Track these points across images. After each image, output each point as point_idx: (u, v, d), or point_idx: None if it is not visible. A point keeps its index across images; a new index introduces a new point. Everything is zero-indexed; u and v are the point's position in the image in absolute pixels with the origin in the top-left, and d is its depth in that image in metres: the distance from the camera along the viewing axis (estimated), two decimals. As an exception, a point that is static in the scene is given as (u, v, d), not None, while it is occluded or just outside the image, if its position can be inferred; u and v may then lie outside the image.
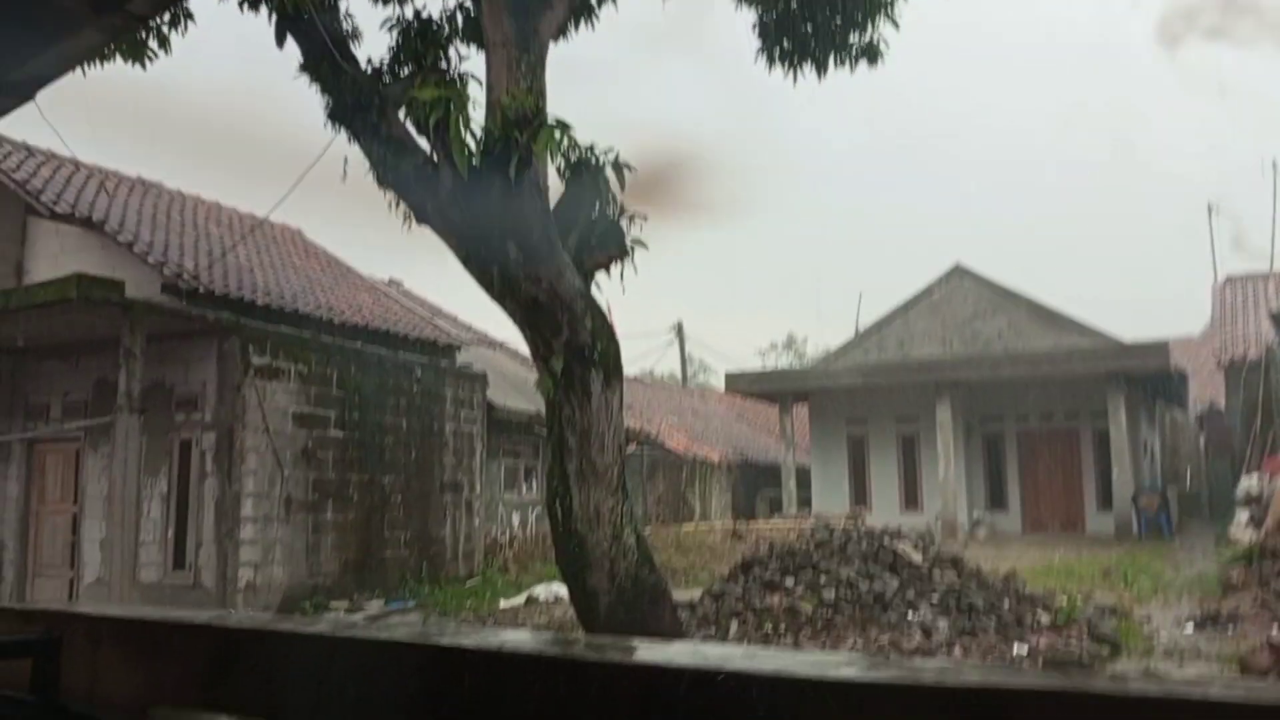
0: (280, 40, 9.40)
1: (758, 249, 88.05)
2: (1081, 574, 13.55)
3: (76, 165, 14.90)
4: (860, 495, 25.19)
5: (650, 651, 1.58)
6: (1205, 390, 28.37)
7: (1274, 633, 8.22)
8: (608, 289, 9.44)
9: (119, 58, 11.15)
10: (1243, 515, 14.97)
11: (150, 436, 11.86)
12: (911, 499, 24.82)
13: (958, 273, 25.39)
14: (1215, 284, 26.61)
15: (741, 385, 26.83)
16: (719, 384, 33.47)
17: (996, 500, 24.53)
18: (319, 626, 2.37)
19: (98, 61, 10.99)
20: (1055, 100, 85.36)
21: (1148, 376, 22.27)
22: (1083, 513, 23.52)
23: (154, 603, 11.74)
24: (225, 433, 11.78)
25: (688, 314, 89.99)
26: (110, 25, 2.68)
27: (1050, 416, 24.19)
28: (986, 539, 21.86)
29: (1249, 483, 16.02)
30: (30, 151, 14.23)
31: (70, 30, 2.71)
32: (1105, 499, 22.43)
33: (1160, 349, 21.25)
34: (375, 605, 12.17)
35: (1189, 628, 9.34)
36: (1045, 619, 8.95)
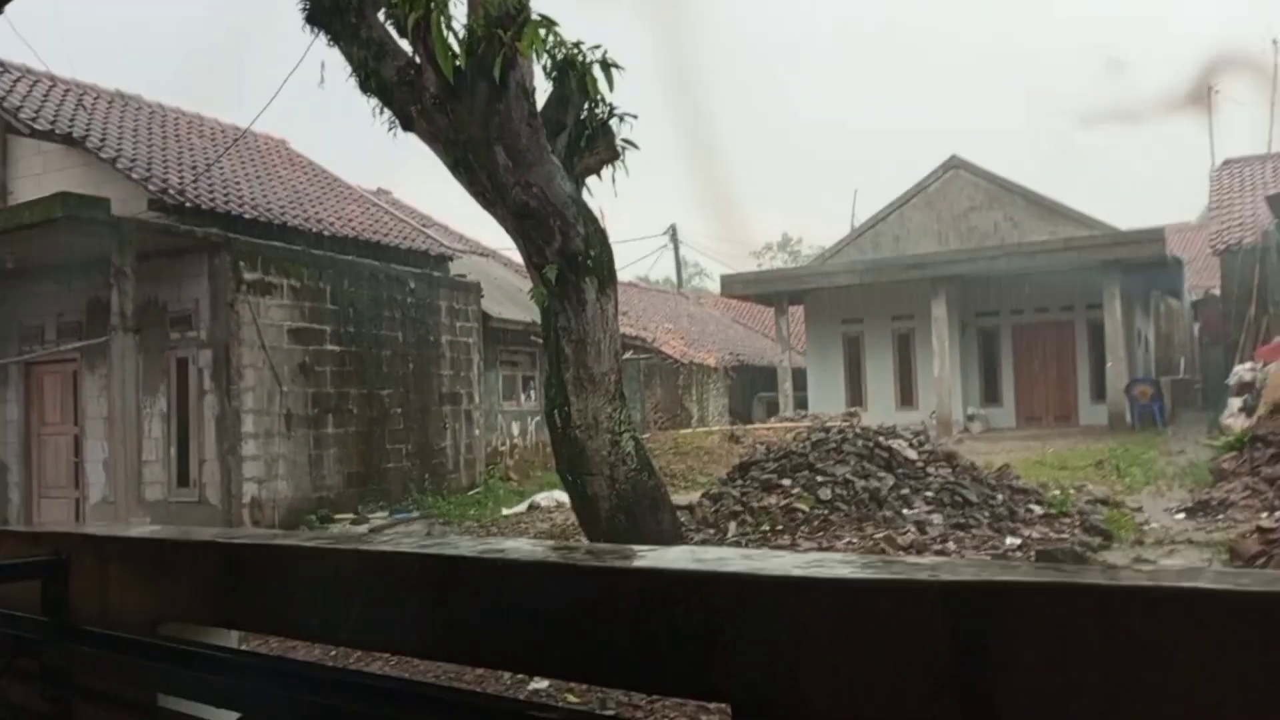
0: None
1: (751, 147, 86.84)
2: (1074, 466, 13.75)
3: (53, 80, 14.56)
4: (856, 395, 25.39)
5: (648, 558, 1.60)
6: (1201, 277, 28.40)
7: (1263, 518, 8.37)
8: (605, 192, 9.35)
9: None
10: (1235, 403, 15.11)
11: (146, 355, 11.86)
12: (907, 397, 25.02)
13: (954, 165, 25.13)
14: (1213, 168, 26.34)
15: (737, 288, 26.77)
16: (715, 287, 33.41)
17: (991, 395, 24.73)
18: (323, 541, 2.41)
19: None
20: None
21: (1143, 265, 22.21)
22: (1076, 405, 23.75)
23: (160, 520, 11.90)
24: (221, 350, 11.77)
25: (682, 216, 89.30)
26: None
27: (1045, 309, 24.19)
28: (981, 434, 22.12)
29: (1241, 370, 16.14)
30: (4, 67, 13.88)
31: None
32: (1099, 390, 22.61)
33: (1156, 236, 21.14)
34: (380, 517, 12.35)
35: (1180, 516, 9.51)
36: (1038, 511, 9.11)
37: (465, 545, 1.86)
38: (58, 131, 12.73)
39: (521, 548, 1.83)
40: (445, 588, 1.72)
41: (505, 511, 12.54)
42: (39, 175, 13.05)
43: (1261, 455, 10.83)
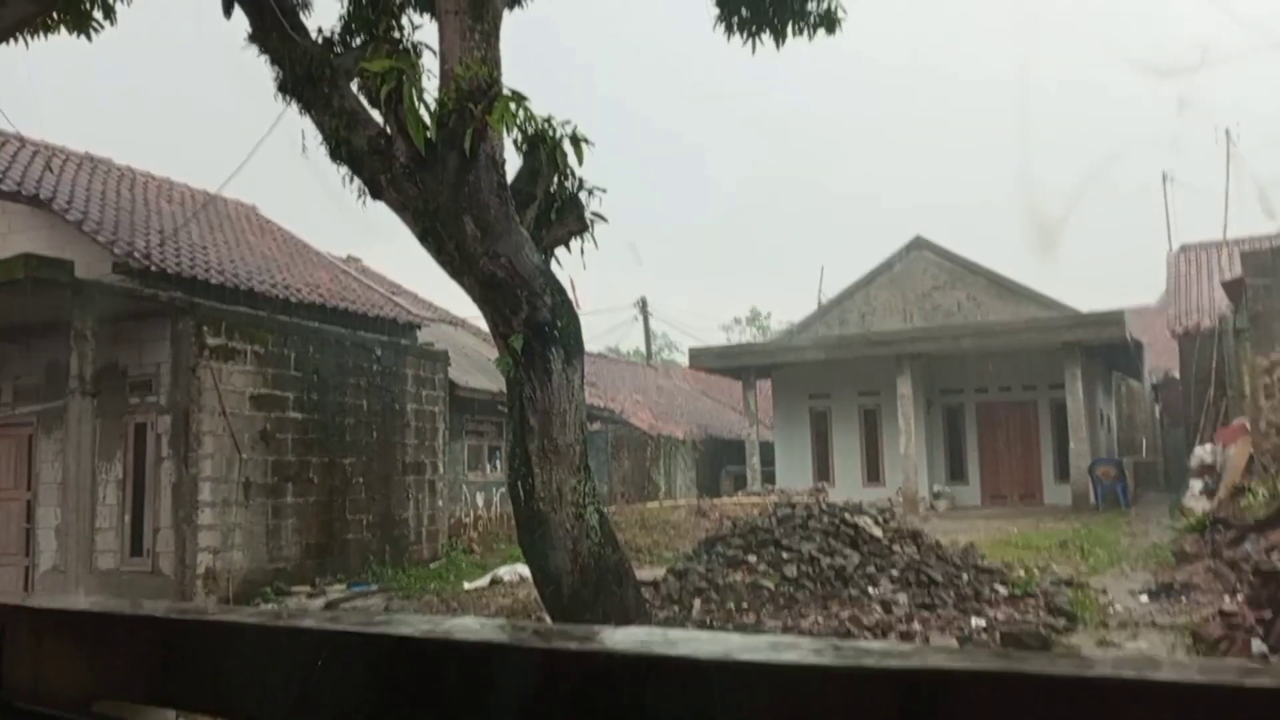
0: (227, 10, 9.19)
1: (720, 223, 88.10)
2: (1039, 546, 13.76)
3: (22, 141, 14.51)
4: (823, 470, 25.37)
5: (594, 639, 1.55)
6: (1161, 359, 28.86)
7: (1226, 602, 8.39)
8: (570, 264, 9.40)
9: (63, 29, 10.87)
10: (1196, 485, 15.27)
11: (104, 420, 11.63)
12: (874, 473, 25.04)
13: (918, 245, 25.58)
14: (1170, 253, 27.00)
15: (705, 361, 26.86)
16: (684, 360, 33.51)
17: (956, 473, 24.82)
18: (264, 617, 2.32)
19: (41, 33, 10.71)
20: (1008, 71, 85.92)
21: (1104, 347, 22.59)
22: (1040, 484, 23.88)
23: (112, 589, 11.57)
24: (181, 415, 11.58)
25: (652, 288, 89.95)
26: (39, -6, 2.57)
27: (1008, 388, 24.46)
28: (947, 511, 22.14)
29: (1202, 452, 16.34)
30: (-29, 128, 13.83)
31: (-3, 0, 2.59)
32: (1063, 470, 22.77)
33: (1116, 318, 21.53)
34: (337, 589, 12.07)
35: (1144, 598, 9.51)
36: (1003, 591, 9.07)
37: (411, 623, 1.79)
38: (24, 192, 12.66)
39: (469, 626, 1.77)
40: (388, 668, 1.66)
41: (466, 585, 12.29)
42: (3, 235, 12.93)
43: (1223, 538, 10.90)
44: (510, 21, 9.29)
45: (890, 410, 23.65)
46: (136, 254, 12.50)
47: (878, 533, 10.08)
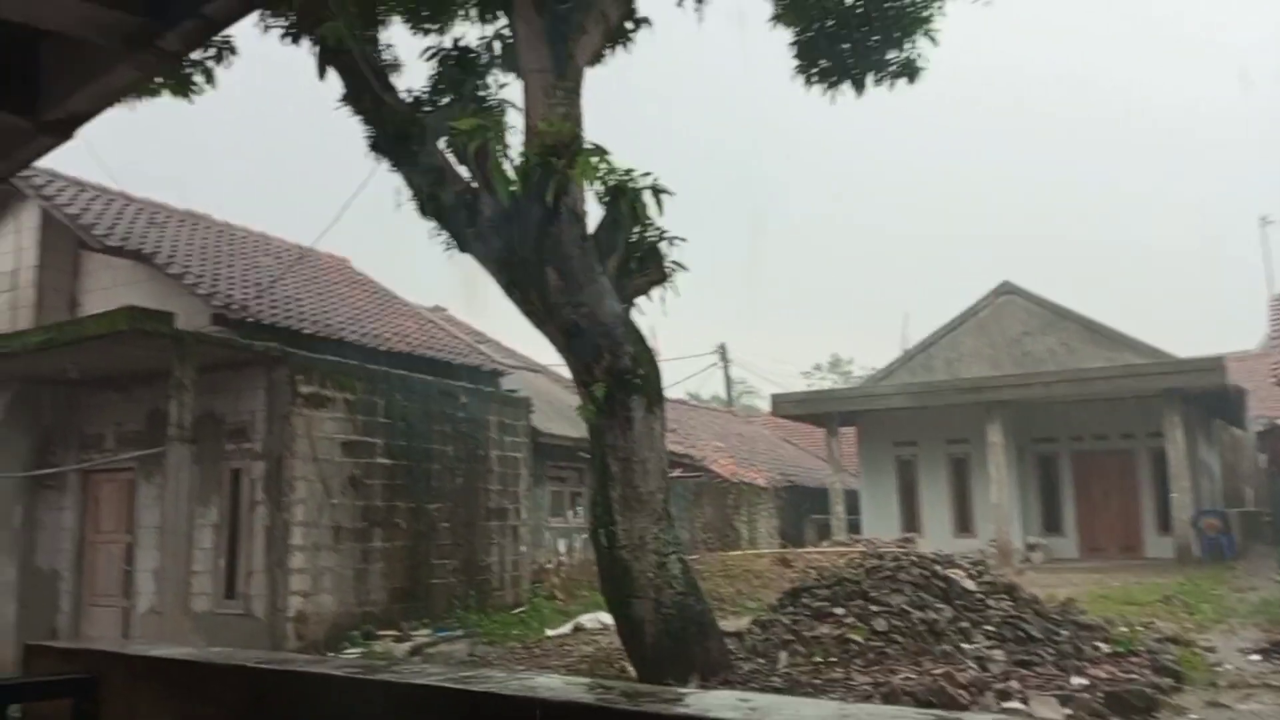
0: (322, 73, 9.55)
1: (802, 268, 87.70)
2: (1141, 600, 13.16)
3: (127, 199, 15.25)
4: (911, 520, 24.78)
5: (688, 702, 1.51)
6: (1265, 407, 27.56)
7: (1348, 661, 7.88)
8: (652, 312, 9.43)
9: (166, 93, 11.43)
10: (1310, 537, 14.45)
11: (202, 466, 11.99)
12: (964, 523, 24.36)
13: (1006, 290, 25.03)
14: (1271, 297, 25.92)
15: (787, 407, 26.60)
16: (765, 406, 33.22)
17: (1051, 524, 23.99)
18: (352, 669, 2.34)
19: (145, 97, 11.27)
20: (1103, 114, 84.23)
21: (1205, 394, 21.69)
22: (1141, 536, 22.92)
23: (207, 631, 11.84)
24: (274, 461, 11.88)
25: (733, 335, 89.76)
26: (144, 62, 2.68)
27: (1105, 436, 23.63)
28: (1042, 564, 21.37)
29: (1316, 503, 15.48)
30: (82, 186, 14.59)
31: (105, 68, 2.72)
32: (1164, 521, 21.83)
33: (1216, 365, 20.69)
34: (423, 634, 12.14)
35: (1255, 657, 9.00)
36: (1104, 649, 8.67)
37: (496, 679, 1.78)
38: (127, 248, 13.26)
39: (553, 685, 1.74)
40: (472, 724, 1.65)
41: (549, 632, 12.26)
42: (108, 289, 13.55)
43: (1341, 594, 10.27)
44: (592, 72, 9.46)
45: (980, 459, 23.03)
46: (234, 306, 12.96)
47: (971, 586, 9.75)
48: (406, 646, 11.29)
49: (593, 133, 9.16)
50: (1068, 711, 6.42)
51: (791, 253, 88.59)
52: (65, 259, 14.12)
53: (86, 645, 2.60)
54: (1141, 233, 79.33)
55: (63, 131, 3.05)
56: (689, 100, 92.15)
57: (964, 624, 8.75)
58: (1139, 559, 21.65)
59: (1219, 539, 19.98)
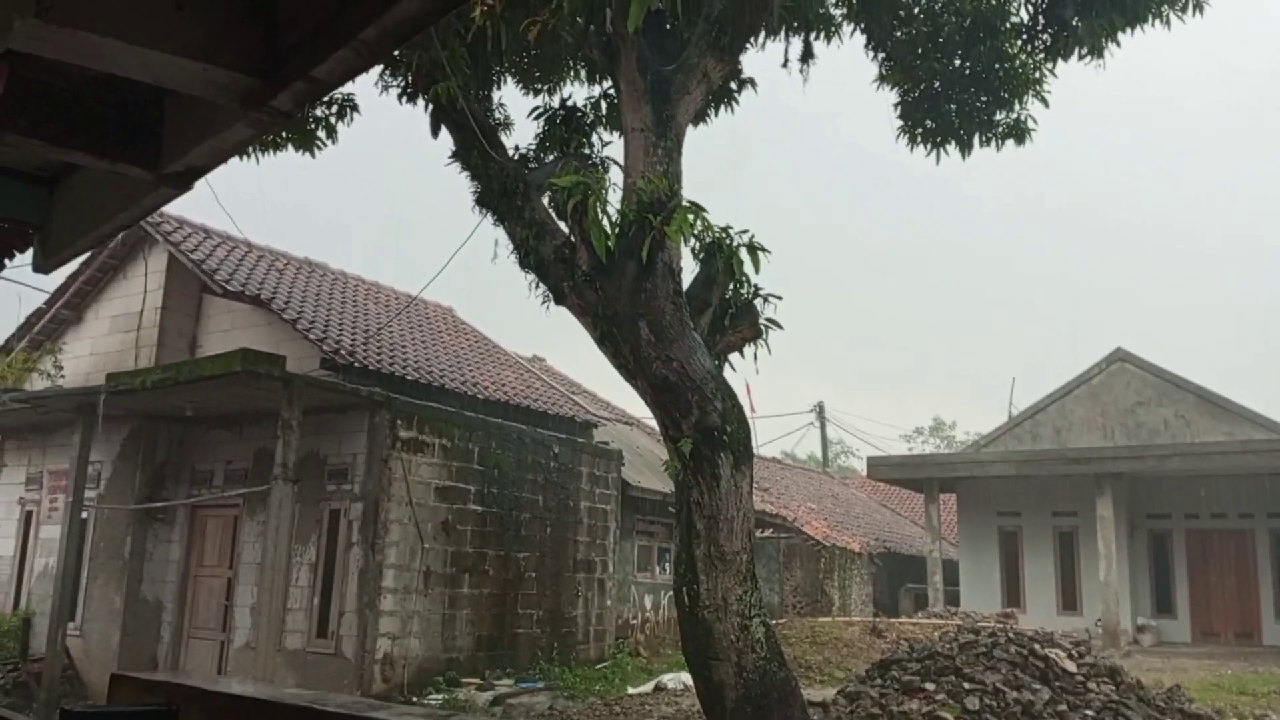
0: (435, 131, 9.92)
1: (905, 330, 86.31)
2: (1256, 691, 12.35)
3: (249, 246, 16.01)
4: (1013, 594, 23.83)
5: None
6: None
7: None
8: (748, 369, 9.42)
9: (290, 147, 12.00)
10: None
11: (303, 505, 12.37)
12: (1070, 600, 23.30)
13: (1119, 357, 24.16)
14: None
15: (885, 471, 26.03)
16: (861, 467, 32.60)
17: (1163, 605, 22.76)
18: (415, 715, 2.37)
19: (270, 150, 11.86)
20: (1225, 178, 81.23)
21: (1334, 474, 20.40)
22: (1259, 621, 21.56)
23: (298, 669, 12.10)
24: (372, 504, 12.17)
25: (833, 395, 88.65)
26: (257, 120, 2.85)
27: (1222, 514, 22.41)
28: (1151, 647, 20.28)
29: None
30: (208, 234, 15.40)
31: (222, 125, 2.90)
32: (1286, 608, 20.51)
33: (1347, 444, 19.50)
34: (505, 684, 12.18)
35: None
36: (1215, 741, 8.16)
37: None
38: (247, 293, 13.89)
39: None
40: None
41: (630, 690, 12.15)
42: (227, 331, 14.20)
43: None
44: (698, 132, 9.59)
45: (1089, 533, 22.06)
46: (343, 351, 13.43)
47: (1071, 667, 9.31)
48: (488, 695, 11.33)
49: (700, 189, 9.30)
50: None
51: (899, 314, 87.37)
52: (188, 302, 14.87)
53: (169, 678, 2.70)
54: (1271, 301, 75.81)
55: (182, 183, 3.24)
56: (794, 153, 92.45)
57: (1062, 707, 8.35)
58: (1256, 646, 20.36)
59: (1349, 631, 18.63)
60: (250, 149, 11.29)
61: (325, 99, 11.46)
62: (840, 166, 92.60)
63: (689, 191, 8.58)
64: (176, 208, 14.98)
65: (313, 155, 12.02)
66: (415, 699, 11.36)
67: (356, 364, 13.30)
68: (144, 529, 13.83)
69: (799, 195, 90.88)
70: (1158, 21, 10.45)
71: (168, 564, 13.87)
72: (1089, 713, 8.34)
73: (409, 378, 13.95)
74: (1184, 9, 10.30)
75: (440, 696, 11.39)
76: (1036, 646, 9.50)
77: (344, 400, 12.39)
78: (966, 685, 8.66)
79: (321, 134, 11.84)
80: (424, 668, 12.15)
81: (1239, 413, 22.16)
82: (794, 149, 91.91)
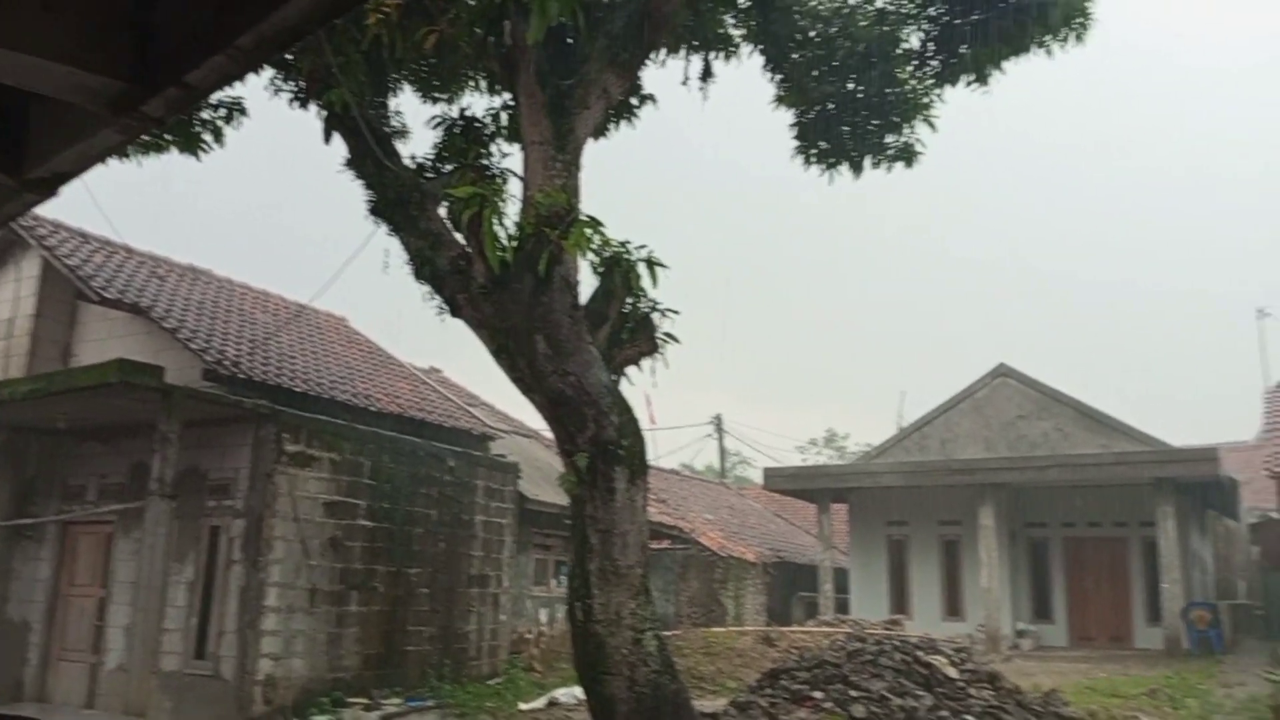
0: (328, 137, 9.70)
1: (799, 343, 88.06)
2: (1126, 693, 12.95)
3: (129, 252, 15.34)
4: (900, 601, 24.49)
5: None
6: (1259, 499, 27.46)
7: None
8: (647, 383, 9.45)
9: (174, 150, 11.58)
10: (1301, 635, 14.27)
11: (181, 522, 11.88)
12: (954, 607, 24.08)
13: (1002, 372, 25.09)
14: (1266, 390, 26.00)
15: (779, 481, 26.47)
16: (758, 478, 33.06)
17: (1041, 610, 23.72)
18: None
19: (152, 153, 11.42)
20: (1096, 203, 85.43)
21: (1198, 484, 21.62)
22: (1131, 626, 22.66)
23: (173, 692, 11.61)
24: (254, 520, 11.76)
25: (731, 407, 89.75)
26: (127, 126, 2.73)
27: (1098, 523, 23.50)
28: (1030, 651, 21.08)
29: (1307, 600, 15.33)
30: (85, 238, 14.70)
31: (90, 131, 2.77)
32: (1154, 612, 21.61)
33: (1210, 455, 20.67)
34: (394, 703, 11.90)
35: (1242, 758, 8.82)
36: (1087, 743, 8.51)
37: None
38: (125, 300, 13.30)
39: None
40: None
41: (522, 706, 12.02)
42: (103, 340, 13.56)
43: (1331, 696, 10.11)
44: (594, 151, 9.61)
45: (972, 541, 22.86)
46: (226, 361, 12.97)
47: (953, 673, 9.59)
48: (375, 716, 11.06)
49: (595, 202, 9.31)
50: (1046, 811, 6.27)
51: (792, 327, 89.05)
52: (63, 309, 14.16)
53: (15, 714, 2.55)
54: (1142, 320, 79.93)
55: (46, 189, 3.09)
56: (691, 170, 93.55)
57: (944, 713, 8.60)
58: (1128, 649, 21.36)
59: (1208, 632, 19.73)
60: (129, 151, 10.86)
61: (210, 102, 11.10)
62: (736, 185, 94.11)
63: (589, 208, 8.59)
64: (51, 211, 14.24)
65: (197, 158, 11.64)
66: (299, 721, 11.01)
67: (241, 375, 12.87)
68: (10, 547, 13.09)
69: (695, 213, 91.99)
70: (1040, 51, 10.96)
71: (35, 583, 13.14)
72: (969, 718, 8.61)
73: (297, 389, 13.56)
74: (1064, 40, 10.82)
75: (325, 718, 11.07)
76: (920, 654, 9.76)
77: (227, 413, 11.96)
78: (853, 693, 8.84)
79: (208, 137, 11.48)
80: (308, 689, 11.78)
81: (1114, 425, 23.26)
82: (685, 167, 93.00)
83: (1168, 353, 74.90)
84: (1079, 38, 10.79)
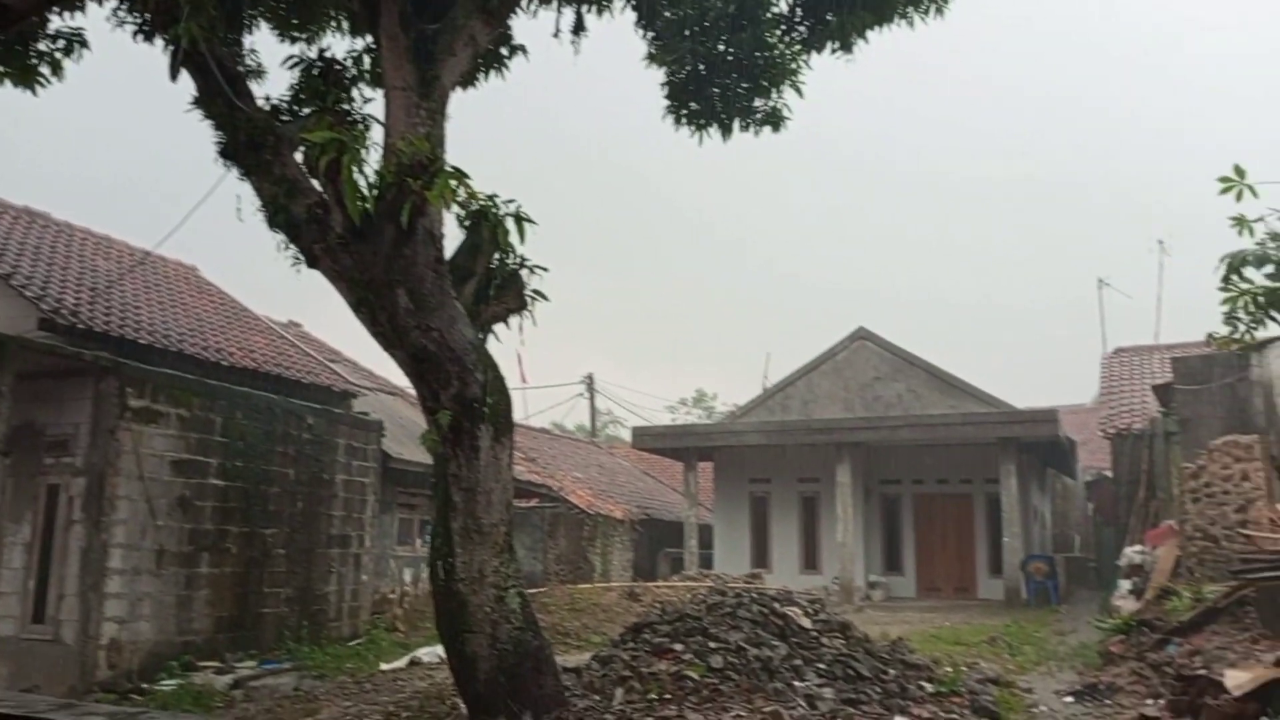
0: (174, 74, 9.12)
1: (672, 304, 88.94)
2: (969, 641, 13.70)
3: (-45, 192, 14.18)
4: (761, 555, 25.24)
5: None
6: (1095, 458, 29.38)
7: (1148, 705, 8.36)
8: (517, 341, 9.33)
9: (8, 83, 10.71)
10: (1124, 585, 15.38)
11: (16, 480, 11.18)
12: (811, 560, 24.98)
13: (861, 335, 25.93)
14: (1104, 354, 27.71)
15: (648, 440, 26.79)
16: (628, 437, 33.37)
17: (892, 563, 24.85)
18: (98, 715, 2.17)
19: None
20: (958, 175, 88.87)
21: (1039, 444, 22.94)
22: (975, 577, 23.98)
23: (9, 657, 10.99)
24: (96, 478, 11.15)
25: (602, 367, 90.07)
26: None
27: (945, 480, 24.71)
28: (881, 602, 22.08)
29: (1131, 552, 16.51)
30: (-98, 175, 13.52)
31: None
32: (996, 564, 22.91)
33: (1050, 416, 21.93)
34: (248, 666, 11.55)
35: (1068, 699, 9.45)
36: (929, 688, 8.95)
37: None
38: (-51, 243, 12.33)
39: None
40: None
41: (384, 666, 11.86)
42: (-76, 287, 12.55)
43: (1148, 640, 10.93)
44: (464, 102, 9.36)
45: (829, 498, 23.71)
46: (64, 310, 12.20)
47: (807, 624, 9.92)
48: (228, 679, 10.72)
49: (462, 154, 9.07)
50: (888, 752, 6.57)
51: (666, 289, 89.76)
52: (-125, 251, 13.02)
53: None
54: (995, 288, 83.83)
55: None
56: (563, 132, 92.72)
57: (797, 662, 8.89)
58: (972, 600, 22.62)
59: (1045, 583, 21.06)
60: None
61: (48, 33, 10.30)
62: (604, 144, 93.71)
63: (457, 159, 8.37)
64: None
65: (34, 93, 10.80)
66: (146, 686, 10.58)
67: (80, 325, 12.12)
68: None
69: (566, 174, 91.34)
70: (903, 21, 11.20)
71: None
72: (821, 665, 8.93)
73: (142, 341, 12.88)
74: (926, 11, 11.09)
75: (174, 682, 10.67)
76: (776, 606, 10.04)
77: (65, 365, 11.26)
78: (712, 644, 9.03)
79: (45, 70, 10.65)
80: (156, 652, 11.32)
81: (962, 388, 24.39)
82: (557, 127, 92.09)
83: (1022, 319, 78.93)
84: (939, 10, 11.07)
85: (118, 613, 11.01)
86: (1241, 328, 6.51)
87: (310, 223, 8.13)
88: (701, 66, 11.68)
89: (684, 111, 11.91)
